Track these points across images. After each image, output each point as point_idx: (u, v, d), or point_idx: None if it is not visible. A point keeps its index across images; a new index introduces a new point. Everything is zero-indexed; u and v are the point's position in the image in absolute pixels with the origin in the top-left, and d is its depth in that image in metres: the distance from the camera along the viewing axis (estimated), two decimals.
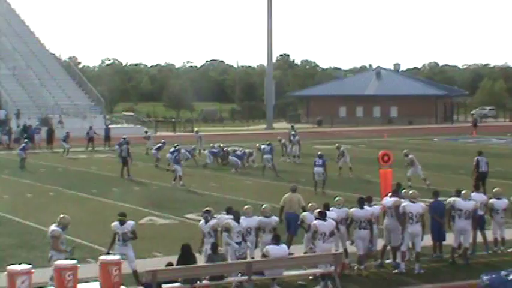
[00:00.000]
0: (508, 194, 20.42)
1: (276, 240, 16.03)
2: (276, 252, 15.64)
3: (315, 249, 16.55)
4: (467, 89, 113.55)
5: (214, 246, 15.78)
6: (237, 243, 16.63)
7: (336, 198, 18.36)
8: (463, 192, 18.82)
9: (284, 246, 16.06)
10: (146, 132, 52.53)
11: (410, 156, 32.59)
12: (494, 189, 20.20)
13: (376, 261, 18.12)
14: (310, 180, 31.82)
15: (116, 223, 16.39)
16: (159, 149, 41.74)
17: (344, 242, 17.87)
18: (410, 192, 18.62)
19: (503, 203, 19.70)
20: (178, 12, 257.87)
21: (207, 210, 17.15)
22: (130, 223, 16.43)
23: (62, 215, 16.02)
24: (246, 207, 17.70)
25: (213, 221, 16.88)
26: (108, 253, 15.93)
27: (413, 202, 17.99)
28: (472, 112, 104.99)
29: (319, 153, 32.40)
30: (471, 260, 18.48)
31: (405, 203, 18.04)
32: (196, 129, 57.44)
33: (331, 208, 17.70)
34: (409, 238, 17.85)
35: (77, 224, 23.38)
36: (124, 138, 39.86)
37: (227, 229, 16.70)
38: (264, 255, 15.90)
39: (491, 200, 19.73)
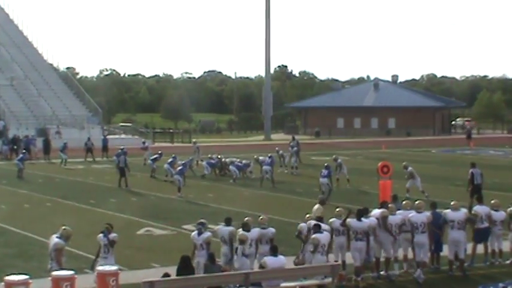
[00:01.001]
0: (505, 206, 20.41)
1: (274, 251, 16.02)
2: (274, 263, 15.62)
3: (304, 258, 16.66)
4: (465, 100, 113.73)
5: (212, 257, 15.76)
6: (246, 255, 16.68)
7: (337, 209, 18.38)
8: (452, 203, 18.92)
9: (282, 257, 16.05)
10: (144, 143, 52.53)
11: (410, 168, 32.65)
12: (492, 201, 20.21)
13: (373, 273, 18.12)
14: (307, 191, 31.83)
15: (100, 235, 16.37)
16: (155, 159, 41.68)
17: (344, 252, 17.86)
18: (417, 202, 18.86)
19: (500, 214, 19.69)
20: (176, 23, 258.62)
21: (201, 222, 17.11)
22: (112, 235, 16.38)
23: (64, 227, 16.00)
24: (246, 218, 17.69)
25: (206, 234, 16.86)
26: (95, 260, 15.95)
27: (419, 212, 18.21)
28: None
29: (326, 164, 32.63)
30: (469, 272, 18.48)
31: (411, 214, 18.26)
32: (194, 140, 57.43)
33: (332, 219, 17.75)
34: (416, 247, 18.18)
35: (74, 234, 23.29)
36: (122, 149, 39.86)
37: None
38: (261, 266, 15.88)
39: (490, 212, 19.72)
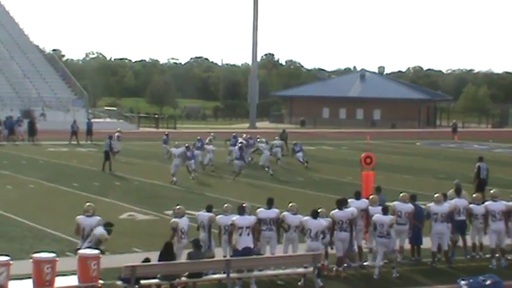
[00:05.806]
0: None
1: None
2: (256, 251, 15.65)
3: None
4: (451, 94, 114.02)
5: (196, 243, 15.73)
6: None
7: (319, 210, 17.91)
8: (435, 196, 18.99)
9: None
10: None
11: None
12: (474, 195, 20.28)
13: (355, 263, 18.14)
14: (290, 180, 31.68)
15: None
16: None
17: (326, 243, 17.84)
18: (401, 194, 19.00)
19: (482, 208, 19.75)
20: (164, 8, 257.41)
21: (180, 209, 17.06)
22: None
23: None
24: (225, 205, 17.64)
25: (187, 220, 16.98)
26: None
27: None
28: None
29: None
30: (452, 264, 18.58)
31: (395, 203, 18.63)
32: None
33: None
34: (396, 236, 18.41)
35: (56, 217, 23.36)
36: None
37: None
38: None
39: (471, 205, 19.74)
